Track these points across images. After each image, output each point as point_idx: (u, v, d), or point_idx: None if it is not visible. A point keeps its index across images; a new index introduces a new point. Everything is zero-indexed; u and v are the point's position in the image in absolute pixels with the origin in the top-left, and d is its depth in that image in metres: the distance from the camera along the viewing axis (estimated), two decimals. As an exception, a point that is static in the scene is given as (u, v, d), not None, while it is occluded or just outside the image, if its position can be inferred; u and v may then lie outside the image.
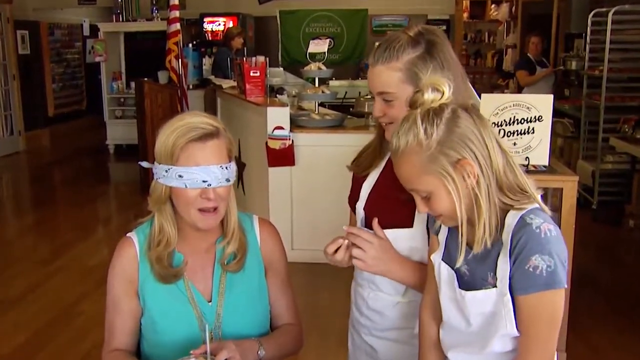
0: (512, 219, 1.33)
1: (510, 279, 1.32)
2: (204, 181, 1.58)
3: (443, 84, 1.34)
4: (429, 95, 1.34)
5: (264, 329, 1.81)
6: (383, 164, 1.75)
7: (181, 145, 1.57)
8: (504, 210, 1.35)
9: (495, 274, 1.35)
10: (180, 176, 1.58)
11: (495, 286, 1.35)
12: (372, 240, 1.62)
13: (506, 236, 1.33)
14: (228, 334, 1.72)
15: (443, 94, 1.34)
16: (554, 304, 1.32)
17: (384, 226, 1.67)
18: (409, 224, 1.65)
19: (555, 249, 1.28)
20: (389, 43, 1.58)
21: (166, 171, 1.59)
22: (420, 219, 1.64)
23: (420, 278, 1.64)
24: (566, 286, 1.30)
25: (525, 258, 1.29)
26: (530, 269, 1.28)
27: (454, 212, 1.34)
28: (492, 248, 1.35)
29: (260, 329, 1.79)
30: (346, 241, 1.63)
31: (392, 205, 1.66)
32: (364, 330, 1.84)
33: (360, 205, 1.77)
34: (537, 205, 1.35)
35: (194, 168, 1.57)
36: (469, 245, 1.38)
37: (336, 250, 1.63)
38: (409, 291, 1.71)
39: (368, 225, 1.71)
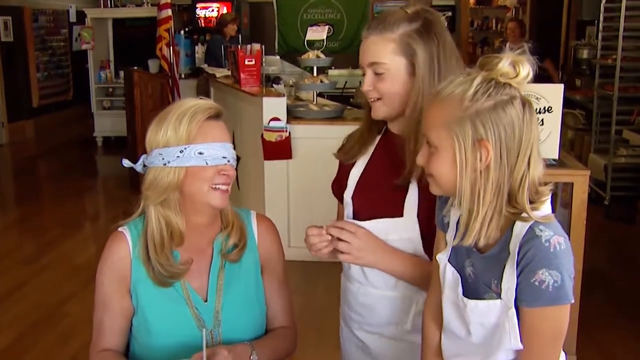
0: (520, 229, 1.32)
1: (515, 290, 1.32)
2: (223, 157, 1.64)
3: (523, 65, 1.31)
4: (502, 66, 1.31)
5: (262, 330, 1.81)
6: (371, 150, 1.78)
7: (199, 123, 1.62)
8: (511, 219, 1.34)
9: (500, 283, 1.35)
10: (200, 153, 1.61)
11: (499, 297, 1.35)
12: (355, 231, 1.65)
13: (513, 247, 1.32)
14: (227, 333, 1.73)
15: (517, 75, 1.31)
16: (558, 319, 1.33)
17: (373, 216, 1.69)
18: (400, 214, 1.66)
19: (563, 263, 1.28)
20: (385, 16, 1.62)
21: (181, 152, 1.61)
22: (410, 208, 1.64)
23: (412, 270, 1.66)
24: (572, 301, 1.30)
25: (531, 271, 1.28)
26: (536, 283, 1.28)
27: (445, 180, 1.35)
28: (499, 255, 1.35)
29: (259, 329, 1.80)
30: (328, 236, 1.66)
31: (382, 193, 1.68)
32: (354, 325, 1.85)
33: (349, 194, 1.79)
34: (546, 213, 1.34)
35: (214, 144, 1.63)
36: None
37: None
38: (399, 284, 1.71)
39: (357, 215, 1.74)
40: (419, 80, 1.59)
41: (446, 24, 1.68)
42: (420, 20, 1.60)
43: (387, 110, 1.65)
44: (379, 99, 1.65)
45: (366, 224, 1.68)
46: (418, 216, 1.64)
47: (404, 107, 1.64)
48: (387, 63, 1.60)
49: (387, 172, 1.65)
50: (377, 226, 1.68)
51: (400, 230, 1.66)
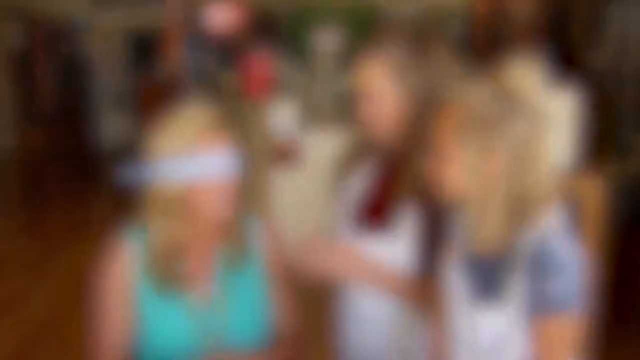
0: (530, 236, 1.32)
1: (525, 297, 1.32)
2: (225, 167, 1.63)
3: (534, 73, 1.34)
4: (512, 73, 1.33)
5: (267, 338, 1.79)
6: (370, 165, 1.78)
7: (203, 132, 1.60)
8: (521, 226, 1.34)
9: (509, 289, 1.34)
10: (201, 163, 1.59)
11: (508, 304, 1.34)
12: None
13: (524, 254, 1.32)
14: (232, 341, 1.71)
15: (527, 82, 1.33)
16: (568, 328, 1.32)
17: (365, 228, 1.70)
18: (391, 230, 1.64)
19: (574, 272, 1.28)
20: (374, 40, 1.62)
21: (182, 163, 1.59)
22: (404, 227, 1.61)
23: (379, 277, 1.64)
24: (583, 310, 1.31)
25: (541, 279, 1.28)
26: (547, 290, 1.28)
27: (454, 186, 1.36)
28: (509, 261, 1.35)
29: (263, 336, 1.78)
30: None
31: (375, 209, 1.68)
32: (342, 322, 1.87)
33: (348, 203, 1.80)
34: (557, 220, 1.34)
35: (217, 154, 1.61)
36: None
37: None
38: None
39: (353, 225, 1.76)
40: (409, 102, 1.58)
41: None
42: (412, 40, 1.58)
43: (384, 134, 1.66)
44: (375, 122, 1.65)
45: (357, 242, 1.68)
46: (414, 234, 1.61)
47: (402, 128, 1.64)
48: (377, 91, 1.60)
49: (385, 186, 1.67)
50: (369, 241, 1.67)
51: (390, 246, 1.64)
